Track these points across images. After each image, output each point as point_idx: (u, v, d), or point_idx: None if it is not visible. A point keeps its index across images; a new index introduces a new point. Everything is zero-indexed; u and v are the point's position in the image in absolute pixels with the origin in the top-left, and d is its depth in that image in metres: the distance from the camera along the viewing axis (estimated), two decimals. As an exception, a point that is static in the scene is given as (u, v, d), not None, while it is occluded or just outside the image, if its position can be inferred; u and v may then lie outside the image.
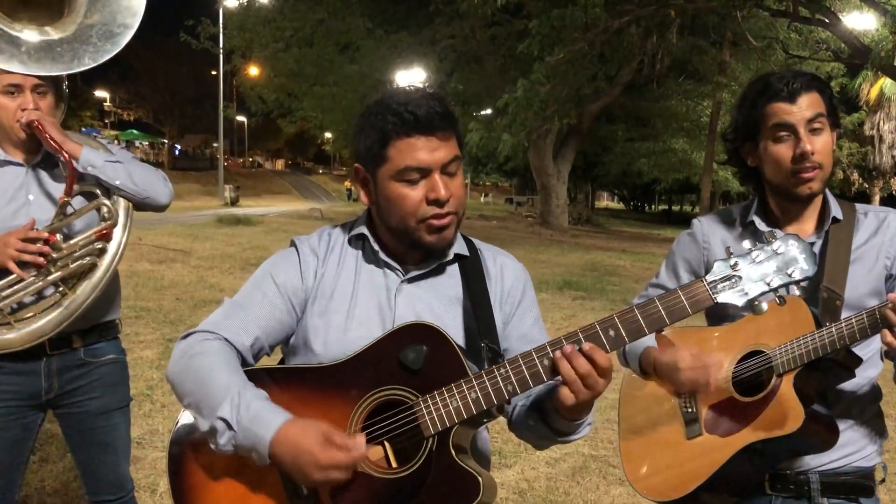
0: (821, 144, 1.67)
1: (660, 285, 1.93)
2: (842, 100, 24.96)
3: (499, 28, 20.01)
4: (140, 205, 2.28)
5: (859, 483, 1.70)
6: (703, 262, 1.85)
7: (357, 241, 1.53)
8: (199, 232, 13.87)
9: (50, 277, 2.13)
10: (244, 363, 1.45)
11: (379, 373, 1.35)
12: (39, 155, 2.25)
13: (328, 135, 33.09)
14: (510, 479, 3.92)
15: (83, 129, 30.40)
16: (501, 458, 4.11)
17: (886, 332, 1.51)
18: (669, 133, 27.56)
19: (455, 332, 1.44)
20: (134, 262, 9.62)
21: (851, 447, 1.70)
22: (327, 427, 1.27)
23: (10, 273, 2.11)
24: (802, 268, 1.25)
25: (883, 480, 1.74)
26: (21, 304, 2.16)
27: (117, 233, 2.22)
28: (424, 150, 1.37)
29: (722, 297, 1.26)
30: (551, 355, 1.28)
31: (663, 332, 1.88)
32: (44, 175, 2.25)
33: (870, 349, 1.70)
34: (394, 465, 1.35)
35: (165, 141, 53.61)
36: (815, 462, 1.68)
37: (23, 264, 2.09)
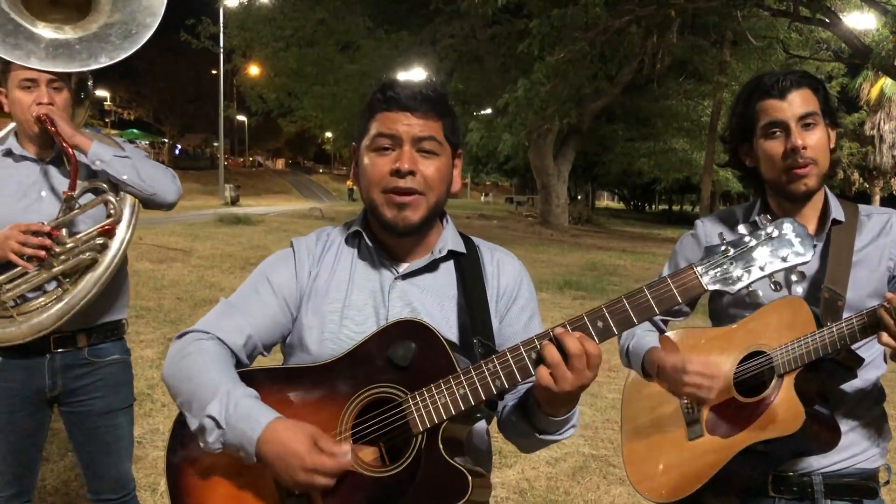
0: (814, 140, 1.66)
1: None
2: (842, 100, 24.96)
3: (499, 27, 20.02)
4: (147, 201, 2.29)
5: (863, 485, 1.69)
6: None
7: (353, 240, 1.54)
8: (200, 231, 13.86)
9: (52, 271, 2.14)
10: (238, 363, 1.45)
11: (369, 371, 1.35)
12: (53, 151, 2.26)
13: (328, 134, 32.96)
14: (510, 479, 3.92)
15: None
16: (502, 457, 4.11)
17: (883, 333, 1.50)
18: (670, 133, 27.57)
19: (448, 329, 1.44)
20: (134, 262, 9.61)
21: (855, 449, 1.69)
22: (316, 430, 1.27)
23: (13, 267, 2.13)
24: (798, 252, 1.21)
25: (887, 482, 1.74)
26: (23, 297, 2.17)
27: (121, 230, 2.23)
28: (399, 122, 1.42)
29: (713, 284, 1.22)
30: (539, 348, 1.26)
31: (666, 334, 1.89)
32: (57, 171, 2.27)
33: (873, 350, 1.69)
34: (386, 463, 1.34)
35: (166, 140, 53.60)
36: (819, 464, 1.67)
37: (24, 258, 2.09)
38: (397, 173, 1.40)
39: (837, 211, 1.73)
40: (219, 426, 1.29)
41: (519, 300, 1.53)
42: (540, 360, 1.26)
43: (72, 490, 3.51)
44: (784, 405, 1.61)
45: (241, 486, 1.36)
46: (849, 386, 1.68)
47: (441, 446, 1.29)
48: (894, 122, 29.70)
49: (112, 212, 2.21)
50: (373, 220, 1.50)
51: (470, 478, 1.27)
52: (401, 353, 1.32)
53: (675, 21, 15.23)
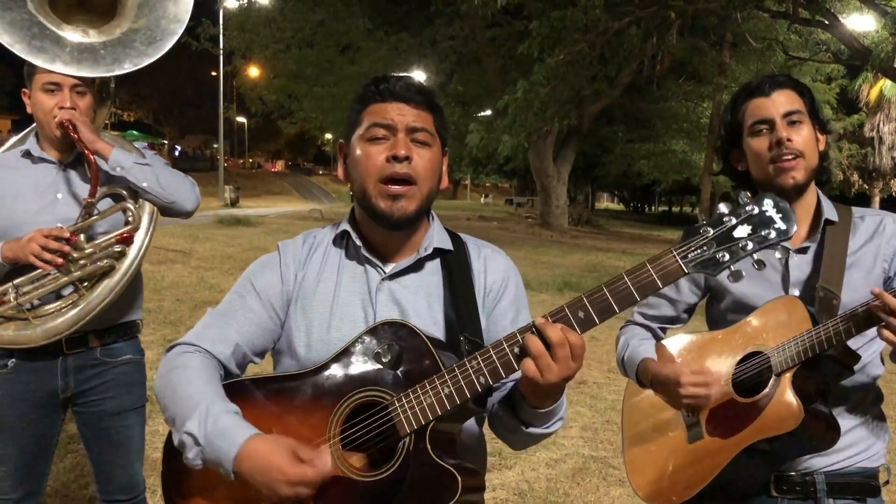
0: (799, 135, 1.68)
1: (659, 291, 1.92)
2: (842, 101, 24.98)
3: (499, 29, 20.01)
4: (166, 209, 2.30)
5: (865, 483, 1.70)
6: None
7: (341, 240, 1.53)
8: (200, 233, 13.87)
9: (69, 277, 2.14)
10: (227, 373, 1.45)
11: (354, 375, 1.34)
12: (73, 154, 2.27)
13: (328, 136, 33.04)
14: (510, 480, 3.92)
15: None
16: (501, 458, 4.11)
17: (884, 330, 1.50)
18: (669, 134, 27.56)
19: (436, 327, 1.44)
20: (134, 263, 9.59)
21: (856, 448, 1.70)
22: (294, 442, 1.27)
23: (32, 269, 2.13)
24: (779, 227, 1.17)
25: (887, 482, 1.74)
26: (40, 301, 2.17)
27: (139, 237, 2.24)
28: (394, 112, 1.43)
29: (694, 266, 1.18)
30: (521, 342, 1.25)
31: (662, 341, 1.89)
32: (75, 175, 2.28)
33: (871, 350, 1.70)
34: (377, 467, 1.33)
35: (165, 142, 53.57)
36: (821, 463, 1.68)
37: (44, 262, 2.10)
38: (394, 158, 1.40)
39: (830, 211, 1.74)
40: (197, 443, 1.28)
41: (506, 296, 1.52)
42: (523, 353, 1.25)
43: (71, 492, 3.51)
44: (782, 403, 1.61)
45: (235, 493, 1.35)
46: (848, 385, 1.69)
47: (429, 447, 1.28)
48: (894, 123, 29.70)
49: (130, 219, 2.22)
50: (362, 215, 1.49)
51: (460, 477, 1.26)
52: (385, 355, 1.32)
53: (674, 23, 15.22)
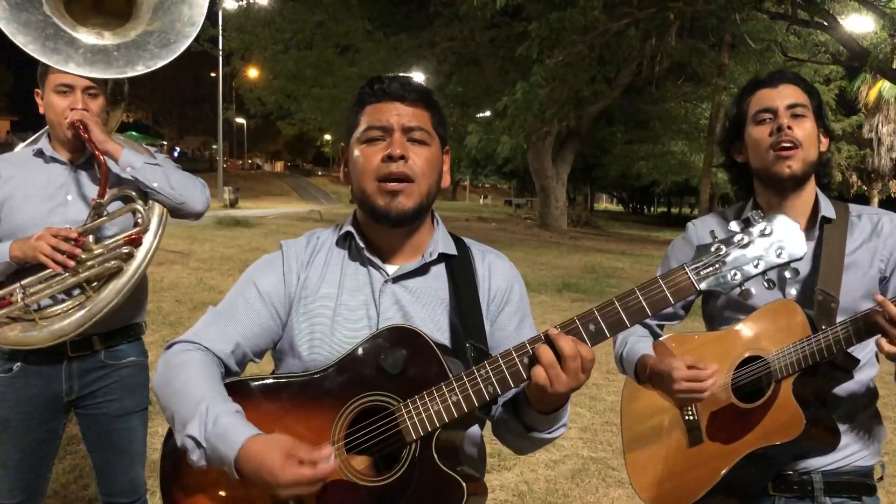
0: (801, 128, 1.68)
1: None
2: (840, 102, 24.99)
3: (498, 30, 20.04)
4: (176, 210, 2.29)
5: (861, 482, 1.71)
6: None
7: (344, 242, 1.52)
8: (199, 234, 13.85)
9: (77, 278, 2.14)
10: (228, 371, 1.44)
11: (360, 379, 1.33)
12: (84, 155, 2.27)
13: (327, 137, 33.09)
14: (509, 482, 3.92)
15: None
16: (501, 459, 4.11)
17: (883, 342, 1.50)
18: (668, 135, 27.58)
19: (440, 332, 1.43)
20: (133, 264, 9.60)
21: (853, 447, 1.71)
22: (291, 442, 1.23)
23: (38, 270, 2.13)
24: (790, 250, 1.19)
25: (881, 479, 1.75)
26: (47, 302, 2.17)
27: (147, 239, 2.23)
28: (389, 112, 1.43)
29: (706, 284, 1.20)
30: (531, 353, 1.25)
31: (661, 339, 1.89)
32: (86, 176, 2.28)
33: (866, 351, 1.70)
34: (380, 472, 1.32)
35: (164, 143, 53.55)
36: (818, 462, 1.68)
37: (55, 263, 2.09)
38: (389, 158, 1.39)
39: (828, 209, 1.73)
40: (199, 445, 1.27)
41: (511, 303, 1.52)
42: (532, 364, 1.25)
43: (70, 493, 3.51)
44: (784, 410, 1.61)
45: (234, 493, 1.35)
46: (844, 386, 1.69)
47: (435, 455, 1.28)
48: (892, 124, 29.76)
49: (140, 221, 2.21)
50: (363, 216, 1.49)
51: (465, 485, 1.26)
52: (392, 360, 1.31)
53: (673, 24, 15.25)
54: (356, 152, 1.44)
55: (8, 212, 2.21)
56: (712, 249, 1.21)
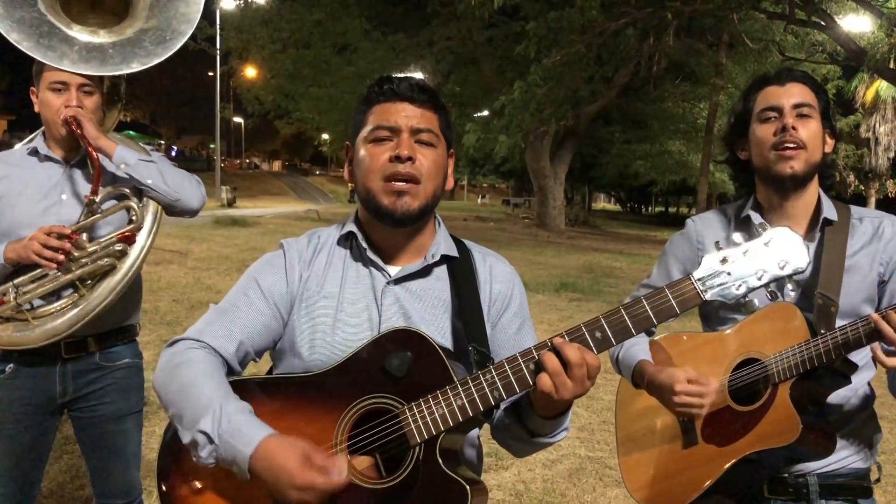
0: (806, 129, 1.67)
1: (650, 286, 1.90)
2: (838, 102, 25.06)
3: (496, 30, 20.05)
4: (170, 207, 2.28)
5: (857, 484, 1.70)
6: (697, 262, 1.84)
7: (346, 241, 1.52)
8: (196, 233, 13.84)
9: (70, 275, 2.13)
10: (230, 370, 1.43)
11: (364, 381, 1.33)
12: (79, 154, 2.25)
13: (325, 136, 33.03)
14: (507, 481, 3.92)
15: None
16: (498, 459, 4.11)
17: (880, 354, 1.49)
18: (666, 135, 27.63)
19: (442, 335, 1.43)
20: (130, 264, 9.58)
21: (849, 450, 1.70)
22: (309, 446, 1.24)
23: (32, 269, 2.12)
24: (794, 262, 1.20)
25: (878, 480, 1.75)
26: (40, 302, 2.16)
27: (142, 237, 2.21)
28: (398, 113, 1.42)
29: (711, 295, 1.22)
30: (536, 358, 1.26)
31: (657, 338, 1.88)
32: (80, 175, 2.26)
33: (864, 354, 1.68)
34: (383, 474, 1.32)
35: (162, 142, 53.51)
36: (814, 465, 1.67)
37: (45, 259, 2.08)
38: (397, 159, 1.39)
39: (830, 211, 1.72)
40: (211, 441, 1.27)
41: (511, 307, 1.52)
42: (538, 370, 1.25)
43: (66, 493, 3.50)
44: (780, 414, 1.60)
45: (235, 493, 1.34)
46: (841, 390, 1.68)
47: (439, 458, 1.28)
48: (889, 124, 29.82)
49: (134, 218, 2.20)
50: (367, 216, 1.48)
51: (469, 488, 1.26)
52: (396, 363, 1.30)
53: (671, 23, 15.24)
54: (362, 151, 1.44)
55: (2, 211, 2.20)
56: (718, 260, 1.23)
